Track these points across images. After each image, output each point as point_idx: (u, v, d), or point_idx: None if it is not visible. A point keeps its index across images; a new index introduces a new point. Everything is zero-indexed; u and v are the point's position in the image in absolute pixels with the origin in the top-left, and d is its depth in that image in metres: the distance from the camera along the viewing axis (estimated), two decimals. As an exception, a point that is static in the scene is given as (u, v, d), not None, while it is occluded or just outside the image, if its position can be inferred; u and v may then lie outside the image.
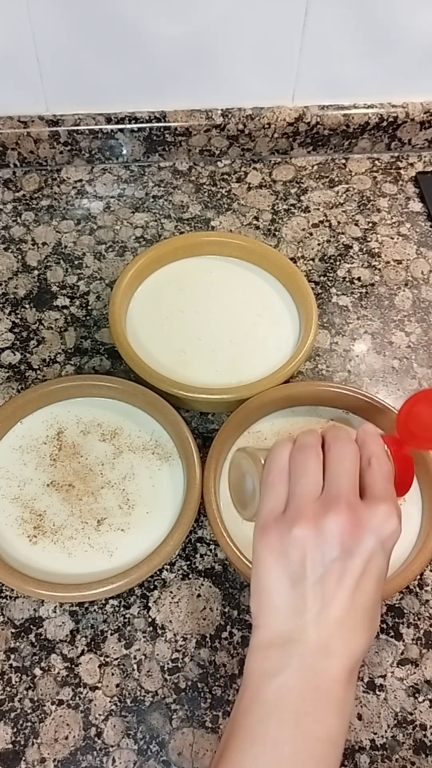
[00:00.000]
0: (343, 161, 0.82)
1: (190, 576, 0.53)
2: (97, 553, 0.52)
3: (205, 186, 0.79)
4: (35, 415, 0.58)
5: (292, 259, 0.72)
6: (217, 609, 0.52)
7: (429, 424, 0.43)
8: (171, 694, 0.49)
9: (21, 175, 0.79)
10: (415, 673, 0.50)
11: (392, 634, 0.51)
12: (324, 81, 0.76)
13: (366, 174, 0.81)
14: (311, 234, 0.75)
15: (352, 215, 0.77)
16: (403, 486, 0.43)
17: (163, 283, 0.66)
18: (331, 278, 0.71)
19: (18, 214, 0.75)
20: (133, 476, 0.55)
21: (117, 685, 0.49)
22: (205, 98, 0.76)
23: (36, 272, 0.71)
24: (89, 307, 0.68)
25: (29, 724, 0.47)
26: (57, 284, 0.70)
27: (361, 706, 0.48)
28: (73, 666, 0.49)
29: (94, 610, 0.52)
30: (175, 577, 0.53)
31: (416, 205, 0.78)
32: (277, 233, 0.75)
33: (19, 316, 0.67)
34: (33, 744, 0.47)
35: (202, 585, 0.53)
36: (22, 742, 0.47)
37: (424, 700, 0.49)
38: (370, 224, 0.76)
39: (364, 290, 0.70)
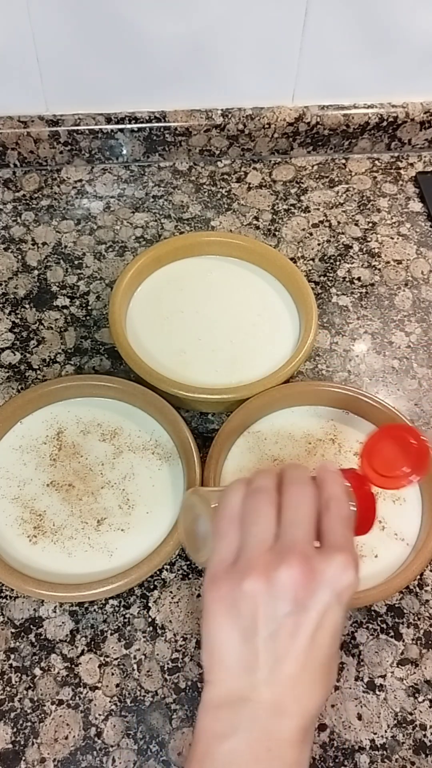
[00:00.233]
0: (343, 161, 0.82)
1: (190, 576, 0.53)
2: (97, 553, 0.52)
3: (205, 186, 0.79)
4: (35, 415, 0.58)
5: (292, 259, 0.72)
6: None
7: (392, 463, 0.42)
8: (171, 694, 0.49)
9: (21, 175, 0.79)
10: (415, 673, 0.50)
11: (392, 634, 0.51)
12: (324, 81, 0.76)
13: (366, 174, 0.81)
14: (311, 234, 0.75)
15: (352, 215, 0.77)
16: (364, 524, 0.41)
17: (163, 283, 0.66)
18: (331, 278, 0.71)
19: (18, 214, 0.75)
20: (133, 476, 0.55)
21: (117, 685, 0.49)
22: (205, 98, 0.76)
23: (36, 272, 0.71)
24: (89, 307, 0.68)
25: (29, 724, 0.47)
26: (57, 284, 0.70)
27: (361, 706, 0.49)
28: (73, 666, 0.49)
29: (94, 610, 0.52)
30: (175, 577, 0.53)
31: (416, 205, 0.78)
32: (277, 233, 0.75)
33: (19, 316, 0.67)
34: (33, 744, 0.47)
35: (202, 585, 0.53)
36: (22, 742, 0.47)
37: (424, 700, 0.49)
38: (370, 224, 0.76)
39: (364, 290, 0.70)
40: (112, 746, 0.47)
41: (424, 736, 0.48)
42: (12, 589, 0.52)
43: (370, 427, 0.58)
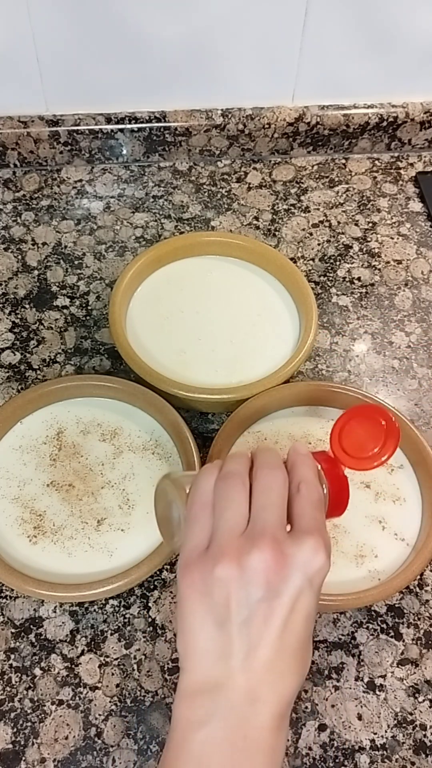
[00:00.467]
0: (343, 161, 0.82)
1: (190, 576, 0.53)
2: (97, 553, 0.52)
3: (205, 186, 0.79)
4: (35, 415, 0.58)
5: (292, 259, 0.72)
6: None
7: (361, 442, 0.41)
8: (171, 694, 0.48)
9: (21, 175, 0.79)
10: (415, 673, 0.50)
11: (392, 634, 0.51)
12: (324, 81, 0.76)
13: (366, 174, 0.81)
14: (311, 234, 0.75)
15: (352, 215, 0.77)
16: (337, 507, 0.41)
17: (163, 283, 0.66)
18: (331, 278, 0.71)
19: (18, 214, 0.75)
20: (133, 476, 0.55)
21: (117, 685, 0.49)
22: (205, 98, 0.76)
23: (36, 272, 0.71)
24: (89, 307, 0.68)
25: (29, 724, 0.47)
26: (57, 284, 0.70)
27: (361, 706, 0.49)
28: (73, 666, 0.49)
29: (94, 610, 0.52)
30: (175, 577, 0.53)
31: (416, 205, 0.78)
32: (277, 233, 0.75)
33: (19, 316, 0.67)
34: (33, 744, 0.47)
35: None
36: (22, 742, 0.47)
37: (424, 700, 0.49)
38: (370, 224, 0.76)
39: (364, 290, 0.70)
40: (112, 746, 0.47)
41: (424, 736, 0.48)
42: (12, 589, 0.52)
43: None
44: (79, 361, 0.64)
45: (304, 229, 0.75)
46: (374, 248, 0.74)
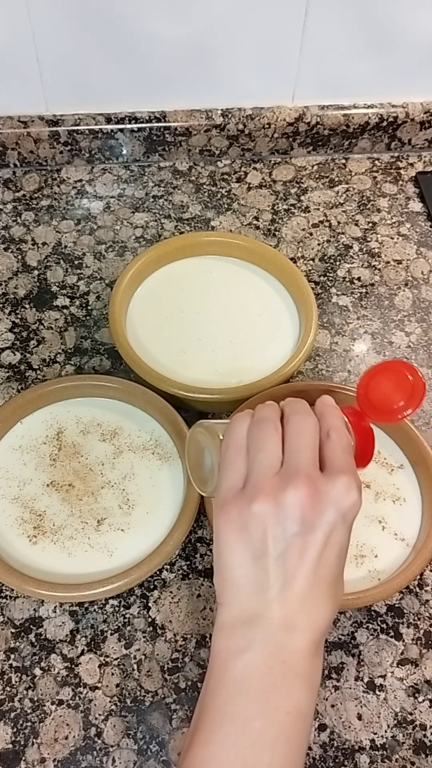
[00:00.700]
0: (343, 161, 0.82)
1: (190, 576, 0.53)
2: (97, 553, 0.52)
3: (205, 186, 0.79)
4: (35, 415, 0.58)
5: (292, 259, 0.72)
6: (216, 611, 0.52)
7: (388, 396, 0.43)
8: (171, 694, 0.49)
9: (21, 175, 0.79)
10: (415, 673, 0.50)
11: (392, 634, 0.51)
12: (324, 81, 0.76)
13: (366, 174, 0.81)
14: (311, 234, 0.75)
15: (352, 215, 0.77)
16: (363, 458, 0.43)
17: (163, 283, 0.66)
18: (331, 278, 0.71)
19: (18, 214, 0.75)
20: (133, 476, 0.55)
21: (117, 685, 0.49)
22: (205, 98, 0.76)
23: (36, 272, 0.71)
24: (89, 307, 0.68)
25: (29, 724, 0.47)
26: (57, 284, 0.70)
27: (361, 706, 0.49)
28: (73, 666, 0.49)
29: (94, 610, 0.52)
30: (175, 577, 0.53)
31: (416, 205, 0.78)
32: (277, 233, 0.75)
33: (19, 316, 0.67)
34: (33, 744, 0.47)
35: (202, 585, 0.53)
36: (22, 742, 0.47)
37: (424, 700, 0.49)
38: (370, 224, 0.76)
39: (364, 290, 0.70)
40: (112, 746, 0.47)
41: (424, 736, 0.48)
42: (12, 589, 0.52)
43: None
44: (79, 361, 0.64)
45: (304, 229, 0.75)
46: (374, 248, 0.74)
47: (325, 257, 0.73)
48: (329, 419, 0.41)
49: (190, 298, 0.65)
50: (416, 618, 0.52)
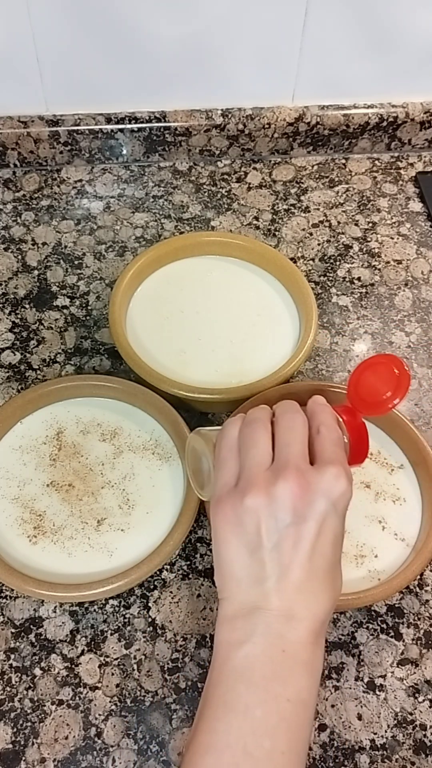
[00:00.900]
0: (343, 161, 0.82)
1: (190, 576, 0.53)
2: (97, 553, 0.52)
3: (205, 186, 0.79)
4: (35, 415, 0.58)
5: (292, 259, 0.72)
6: (217, 609, 0.52)
7: (377, 388, 0.44)
8: (171, 694, 0.49)
9: (21, 175, 0.79)
10: (415, 673, 0.50)
11: (392, 634, 0.51)
12: (324, 81, 0.76)
13: (366, 174, 0.81)
14: (311, 234, 0.75)
15: (352, 215, 0.77)
16: (358, 454, 0.45)
17: (163, 283, 0.66)
18: (331, 278, 0.71)
19: (18, 214, 0.75)
20: (133, 476, 0.55)
21: (117, 685, 0.49)
22: (205, 98, 0.76)
23: (36, 272, 0.71)
24: (89, 307, 0.68)
25: (29, 724, 0.47)
26: (57, 284, 0.70)
27: (361, 706, 0.49)
28: (73, 666, 0.49)
29: (94, 610, 0.52)
30: (175, 577, 0.53)
31: (416, 205, 0.78)
32: (277, 233, 0.75)
33: (19, 316, 0.67)
34: (33, 744, 0.47)
35: (202, 585, 0.53)
36: (22, 742, 0.47)
37: (424, 700, 0.49)
38: (370, 224, 0.76)
39: (364, 290, 0.70)
40: (112, 746, 0.47)
41: (425, 736, 0.48)
42: (12, 589, 0.52)
43: (369, 426, 0.58)
44: (79, 361, 0.64)
45: (304, 229, 0.75)
46: (374, 248, 0.74)
47: (325, 257, 0.73)
48: (319, 416, 0.42)
49: (190, 298, 0.65)
50: (416, 618, 0.52)
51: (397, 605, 0.52)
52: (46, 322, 0.67)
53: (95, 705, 0.48)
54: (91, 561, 0.51)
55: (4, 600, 0.52)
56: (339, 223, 0.76)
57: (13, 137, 0.75)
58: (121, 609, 0.52)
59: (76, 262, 0.71)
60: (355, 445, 0.44)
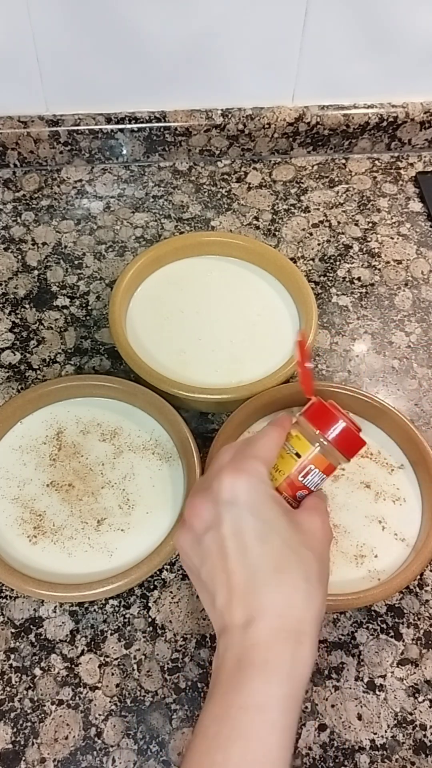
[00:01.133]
0: (343, 161, 0.82)
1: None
2: (97, 553, 0.52)
3: (205, 186, 0.79)
4: (35, 415, 0.58)
5: (292, 259, 0.72)
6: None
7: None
8: (171, 694, 0.48)
9: (21, 175, 0.79)
10: (415, 673, 0.50)
11: (392, 634, 0.51)
12: (324, 81, 0.76)
13: (366, 174, 0.81)
14: (311, 234, 0.75)
15: (352, 215, 0.77)
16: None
17: (163, 283, 0.66)
18: (331, 278, 0.71)
19: (18, 214, 0.75)
20: (133, 476, 0.55)
21: (117, 685, 0.49)
22: (205, 98, 0.76)
23: (36, 272, 0.71)
24: (89, 307, 0.68)
25: (29, 724, 0.47)
26: (57, 284, 0.70)
27: (361, 706, 0.49)
28: (73, 666, 0.49)
29: (94, 610, 0.52)
30: (175, 577, 0.53)
31: (416, 205, 0.78)
32: (277, 233, 0.75)
33: (19, 316, 0.67)
34: (33, 744, 0.47)
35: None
36: (22, 742, 0.47)
37: (424, 700, 0.49)
38: (370, 224, 0.76)
39: (364, 290, 0.70)
40: (112, 746, 0.47)
41: (424, 736, 0.48)
42: (12, 589, 0.52)
43: (369, 426, 0.58)
44: (79, 361, 0.64)
45: (304, 229, 0.75)
46: (374, 248, 0.74)
47: (325, 257, 0.73)
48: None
49: (190, 298, 0.65)
50: (416, 618, 0.52)
51: (397, 605, 0.52)
52: (46, 322, 0.67)
53: (95, 705, 0.48)
54: (91, 561, 0.51)
55: (4, 600, 0.52)
56: (339, 223, 0.76)
57: (13, 137, 0.75)
58: (121, 609, 0.52)
59: (76, 262, 0.71)
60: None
